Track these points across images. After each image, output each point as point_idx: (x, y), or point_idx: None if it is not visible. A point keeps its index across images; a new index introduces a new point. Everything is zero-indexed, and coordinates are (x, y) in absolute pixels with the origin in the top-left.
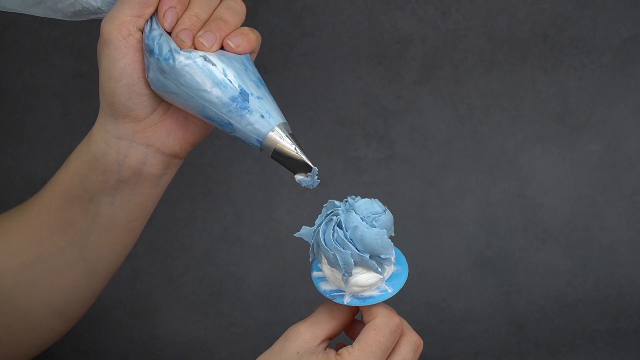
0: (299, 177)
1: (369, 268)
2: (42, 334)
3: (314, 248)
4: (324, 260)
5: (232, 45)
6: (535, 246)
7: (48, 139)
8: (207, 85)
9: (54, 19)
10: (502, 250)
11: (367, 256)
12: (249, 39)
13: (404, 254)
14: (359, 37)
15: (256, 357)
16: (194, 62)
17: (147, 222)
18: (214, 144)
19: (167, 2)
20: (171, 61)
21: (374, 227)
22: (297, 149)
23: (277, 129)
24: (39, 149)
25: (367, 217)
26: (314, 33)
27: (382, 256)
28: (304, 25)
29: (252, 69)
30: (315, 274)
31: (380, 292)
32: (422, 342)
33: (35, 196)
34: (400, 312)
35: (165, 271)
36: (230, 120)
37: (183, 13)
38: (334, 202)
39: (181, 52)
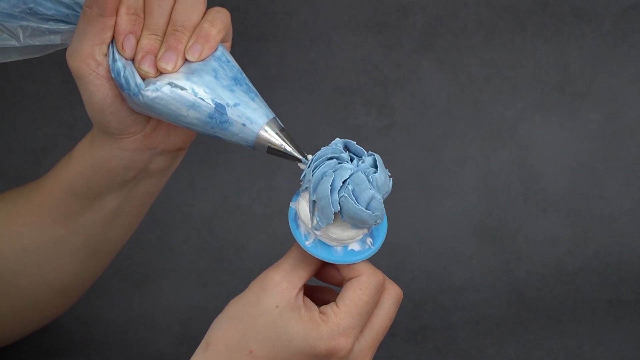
0: (301, 165)
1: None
2: (44, 311)
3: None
4: (305, 197)
5: (191, 59)
6: (536, 215)
7: (48, 107)
8: (183, 110)
9: None
10: (502, 219)
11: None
12: (208, 40)
13: (403, 222)
14: (359, 5)
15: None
16: (162, 92)
17: None
18: None
19: (123, 30)
20: (140, 97)
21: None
22: (287, 146)
23: (263, 130)
24: (39, 118)
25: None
26: (314, 1)
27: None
28: None
29: (224, 70)
30: (292, 204)
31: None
32: (402, 293)
33: (38, 182)
34: (400, 281)
35: (164, 240)
36: (216, 134)
37: (141, 32)
38: (341, 150)
39: (146, 87)
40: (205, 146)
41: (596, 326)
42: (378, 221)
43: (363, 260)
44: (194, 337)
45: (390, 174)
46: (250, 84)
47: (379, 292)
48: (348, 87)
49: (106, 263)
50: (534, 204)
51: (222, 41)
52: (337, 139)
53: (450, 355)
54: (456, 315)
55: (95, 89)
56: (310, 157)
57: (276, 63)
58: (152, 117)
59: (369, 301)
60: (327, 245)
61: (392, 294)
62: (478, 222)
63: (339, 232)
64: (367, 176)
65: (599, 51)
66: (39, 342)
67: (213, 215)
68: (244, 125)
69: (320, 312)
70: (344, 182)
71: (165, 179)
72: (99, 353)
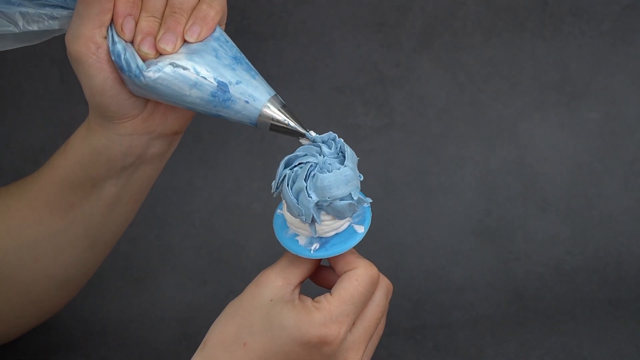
0: (303, 141)
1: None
2: (43, 305)
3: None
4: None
5: (190, 40)
6: (535, 214)
7: (47, 106)
8: (185, 90)
9: None
10: (502, 218)
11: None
12: (207, 21)
13: (402, 221)
14: (357, 3)
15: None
16: (164, 72)
17: None
18: None
19: (121, 12)
20: (142, 78)
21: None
22: (290, 122)
23: (265, 107)
24: (38, 116)
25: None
26: (312, 0)
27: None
28: None
29: (224, 49)
30: (279, 211)
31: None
32: (392, 286)
33: (35, 175)
34: (399, 280)
35: (163, 239)
36: (218, 112)
37: (139, 14)
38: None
39: (147, 68)
40: (204, 145)
41: (595, 325)
42: (302, 218)
43: (358, 254)
44: (193, 335)
45: (356, 198)
46: (250, 64)
47: (374, 285)
48: (347, 87)
49: (105, 254)
50: (533, 203)
51: (218, 23)
52: (334, 134)
53: (449, 355)
54: (455, 315)
55: (96, 72)
56: (312, 132)
57: (275, 62)
58: (150, 101)
59: (364, 292)
60: (286, 225)
61: (383, 285)
62: (477, 221)
63: (286, 211)
64: (310, 171)
65: (598, 50)
66: (38, 340)
67: (212, 214)
68: (246, 102)
69: (313, 301)
70: (298, 165)
71: (162, 164)
72: (98, 351)
